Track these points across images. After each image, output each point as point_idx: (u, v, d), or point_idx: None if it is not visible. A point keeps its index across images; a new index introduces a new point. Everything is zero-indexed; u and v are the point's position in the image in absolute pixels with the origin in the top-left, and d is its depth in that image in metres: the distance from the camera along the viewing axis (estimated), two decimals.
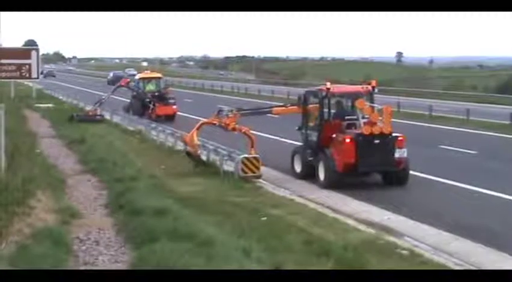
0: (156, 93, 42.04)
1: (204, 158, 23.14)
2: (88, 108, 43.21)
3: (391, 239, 14.39)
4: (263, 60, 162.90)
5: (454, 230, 15.00)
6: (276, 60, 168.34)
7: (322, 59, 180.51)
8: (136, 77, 45.14)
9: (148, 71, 50.18)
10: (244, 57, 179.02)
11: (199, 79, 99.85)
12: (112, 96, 42.58)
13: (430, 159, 24.36)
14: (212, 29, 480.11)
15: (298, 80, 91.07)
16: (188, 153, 22.92)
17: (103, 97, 42.72)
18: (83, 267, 11.30)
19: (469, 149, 26.84)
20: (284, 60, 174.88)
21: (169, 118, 39.83)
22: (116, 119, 39.59)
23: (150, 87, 42.87)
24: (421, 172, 21.36)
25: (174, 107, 41.49)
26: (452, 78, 79.86)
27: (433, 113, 42.17)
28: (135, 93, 43.30)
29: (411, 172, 20.64)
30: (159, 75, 45.56)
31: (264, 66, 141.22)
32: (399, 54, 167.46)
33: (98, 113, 40.31)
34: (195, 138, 22.81)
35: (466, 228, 15.16)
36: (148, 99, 41.54)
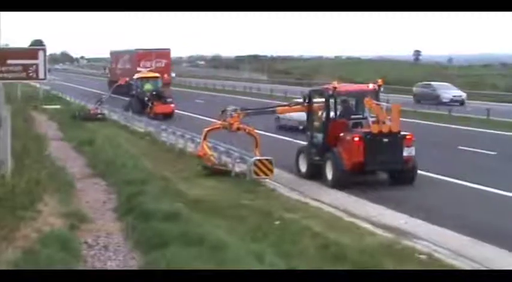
0: (154, 93, 44.13)
1: (217, 161, 23.10)
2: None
3: (409, 243, 14.36)
4: (276, 59, 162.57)
5: (475, 234, 14.91)
6: (289, 59, 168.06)
7: (337, 57, 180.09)
8: (135, 76, 47.54)
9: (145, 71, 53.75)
10: (256, 56, 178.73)
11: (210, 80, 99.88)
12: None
13: (448, 161, 24.32)
14: (223, 27, 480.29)
15: (312, 79, 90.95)
16: (207, 168, 22.49)
17: (103, 96, 45.40)
18: None
19: (489, 150, 26.72)
20: (298, 59, 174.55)
21: (167, 116, 41.33)
22: (125, 120, 39.90)
23: (149, 86, 45.05)
24: (439, 174, 21.34)
25: (172, 105, 43.46)
26: (473, 77, 79.30)
27: (452, 113, 42.09)
28: (134, 92, 45.57)
29: (428, 174, 20.59)
30: (157, 75, 47.96)
31: (277, 65, 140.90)
32: (417, 52, 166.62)
33: (99, 112, 42.35)
34: (207, 149, 22.91)
35: (486, 232, 15.07)
36: (147, 98, 43.58)
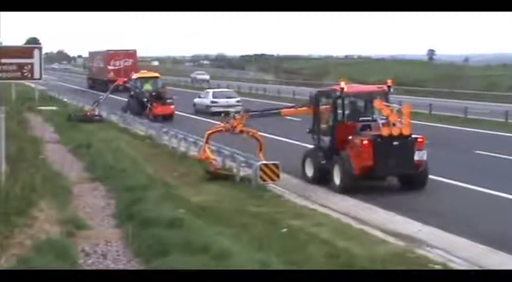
0: (154, 93, 44.26)
1: (220, 166, 23.09)
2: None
3: (422, 252, 14.33)
4: (283, 58, 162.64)
5: (491, 243, 14.87)
6: (296, 58, 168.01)
7: (347, 57, 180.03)
8: (134, 76, 47.77)
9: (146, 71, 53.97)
10: (262, 55, 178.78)
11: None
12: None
13: (463, 165, 24.25)
14: (228, 26, 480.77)
15: (321, 80, 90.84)
16: (210, 173, 22.42)
17: (101, 97, 45.73)
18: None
19: (507, 155, 26.64)
20: (306, 58, 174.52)
21: (167, 118, 41.35)
22: (124, 122, 39.92)
23: (148, 86, 45.32)
24: (454, 179, 21.27)
25: (172, 106, 43.55)
26: (490, 78, 79.33)
27: (468, 116, 41.99)
28: (132, 92, 45.70)
29: (443, 179, 20.50)
30: (156, 74, 48.43)
31: (284, 65, 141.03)
32: (431, 51, 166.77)
33: (96, 113, 42.54)
34: (209, 152, 22.91)
35: (504, 241, 15.04)
36: (146, 99, 43.75)
